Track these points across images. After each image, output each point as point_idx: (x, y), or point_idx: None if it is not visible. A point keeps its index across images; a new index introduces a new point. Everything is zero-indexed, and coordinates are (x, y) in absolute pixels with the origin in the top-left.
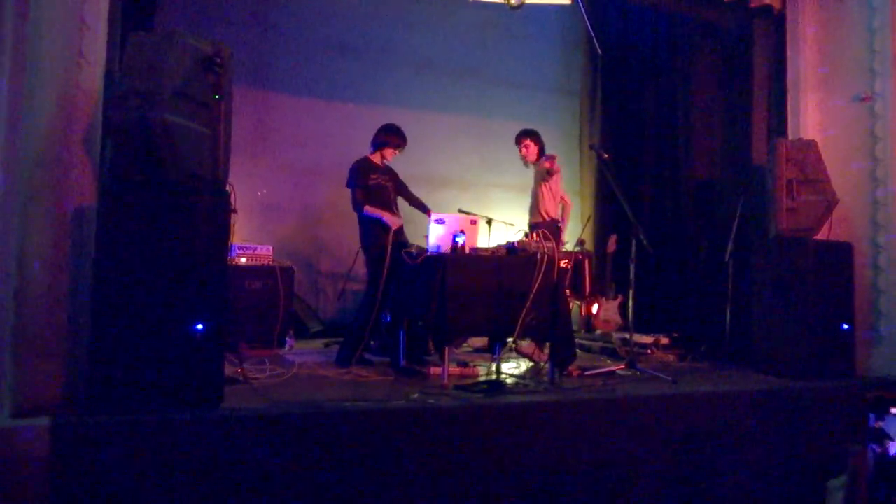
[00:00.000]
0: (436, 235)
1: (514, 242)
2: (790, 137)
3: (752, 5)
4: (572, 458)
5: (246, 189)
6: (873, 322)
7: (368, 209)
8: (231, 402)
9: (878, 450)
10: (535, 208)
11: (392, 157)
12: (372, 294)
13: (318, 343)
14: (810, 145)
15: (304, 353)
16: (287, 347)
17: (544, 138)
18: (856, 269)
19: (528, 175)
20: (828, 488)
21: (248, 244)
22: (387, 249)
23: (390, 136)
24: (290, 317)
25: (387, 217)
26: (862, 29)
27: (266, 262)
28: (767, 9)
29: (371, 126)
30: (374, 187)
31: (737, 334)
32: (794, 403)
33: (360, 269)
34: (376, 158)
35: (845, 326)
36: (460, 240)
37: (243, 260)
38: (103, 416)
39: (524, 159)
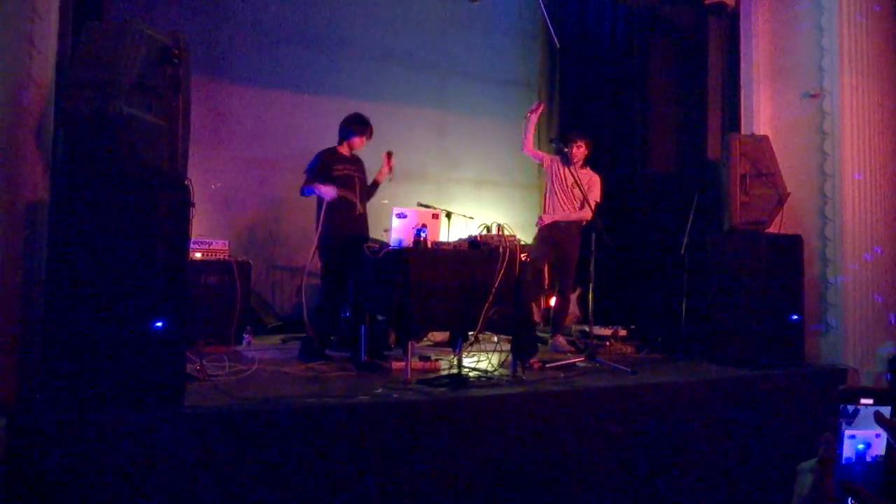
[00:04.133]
0: (398, 230)
1: (476, 236)
2: (743, 132)
3: (707, 2)
4: (536, 450)
5: (201, 182)
6: (821, 313)
7: (306, 186)
8: (192, 400)
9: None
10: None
11: (360, 147)
12: (329, 284)
13: (276, 339)
14: (762, 140)
15: (262, 349)
16: (245, 343)
17: (504, 132)
18: (805, 261)
19: (485, 169)
20: (797, 470)
21: (204, 238)
22: (341, 237)
23: (354, 126)
24: (247, 312)
25: (321, 189)
26: (812, 27)
27: (222, 257)
28: (721, 5)
29: (330, 118)
30: (340, 178)
31: (692, 325)
32: (749, 391)
33: (318, 261)
34: (343, 149)
35: (795, 317)
36: (422, 234)
37: (199, 255)
38: (61, 416)
39: (573, 158)
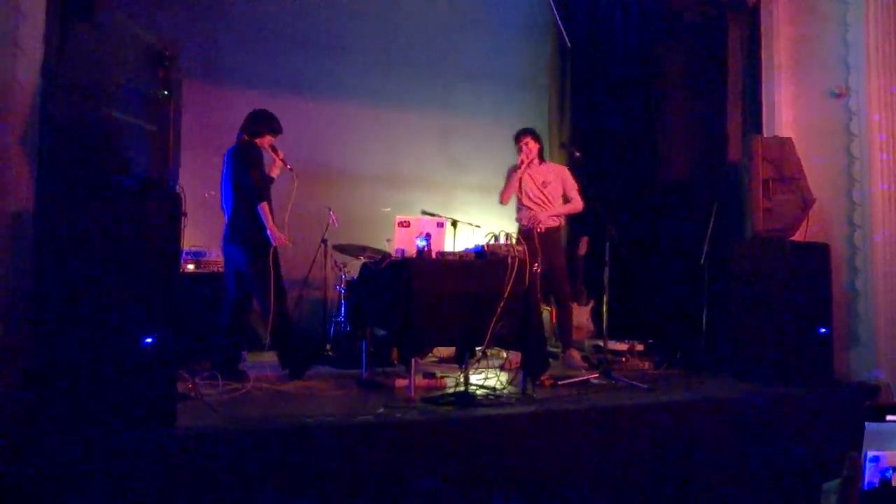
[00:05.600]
0: (400, 239)
1: (483, 246)
2: (765, 134)
3: None
4: (547, 473)
5: (193, 190)
6: (850, 325)
7: (265, 208)
8: (184, 420)
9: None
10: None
11: (268, 147)
12: (279, 291)
13: (273, 355)
14: (786, 142)
15: (258, 367)
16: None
17: (512, 134)
18: (833, 270)
19: (493, 175)
20: (822, 490)
21: (197, 249)
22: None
23: (269, 123)
24: None
25: (273, 233)
26: (836, 22)
27: (216, 269)
28: (741, 1)
29: (329, 123)
30: (265, 174)
31: (713, 339)
32: (774, 410)
33: (317, 272)
34: (263, 144)
35: (822, 330)
36: (423, 244)
37: (191, 267)
38: (46, 436)
39: (527, 158)
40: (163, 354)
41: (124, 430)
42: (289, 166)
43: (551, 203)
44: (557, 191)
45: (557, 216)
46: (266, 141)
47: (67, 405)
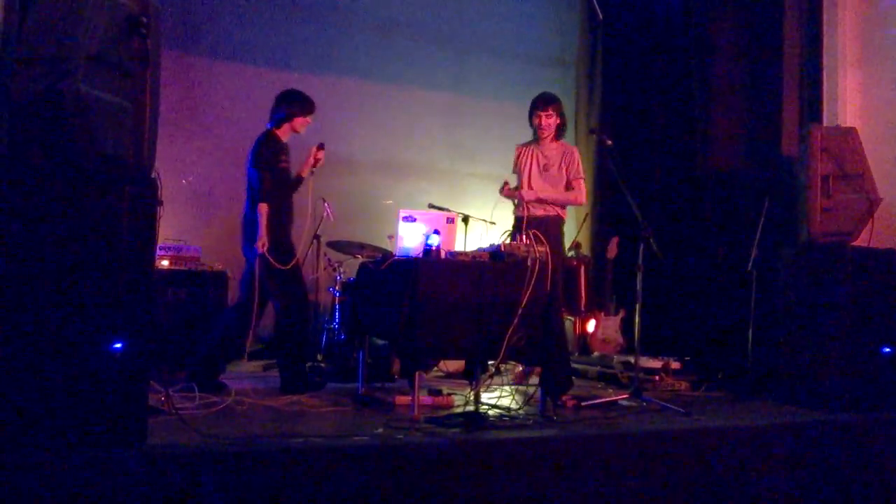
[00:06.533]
0: (405, 236)
1: (499, 245)
2: (826, 124)
3: None
4: None
5: (171, 175)
6: None
7: (263, 210)
8: (156, 437)
9: None
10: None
11: (303, 130)
12: (285, 306)
13: (257, 365)
14: (849, 134)
15: (240, 378)
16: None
17: None
18: None
19: (509, 164)
20: None
21: (173, 243)
22: (290, 249)
23: (299, 104)
24: None
25: (262, 238)
26: None
27: (194, 266)
28: None
29: (323, 100)
30: (283, 171)
31: (761, 358)
32: (828, 440)
33: (307, 272)
34: (284, 135)
35: (887, 349)
36: (434, 241)
37: (166, 263)
38: (3, 456)
39: (541, 133)
40: (133, 362)
41: (87, 448)
42: (314, 168)
43: (554, 189)
44: (560, 177)
45: (550, 205)
46: (297, 125)
47: (20, 422)
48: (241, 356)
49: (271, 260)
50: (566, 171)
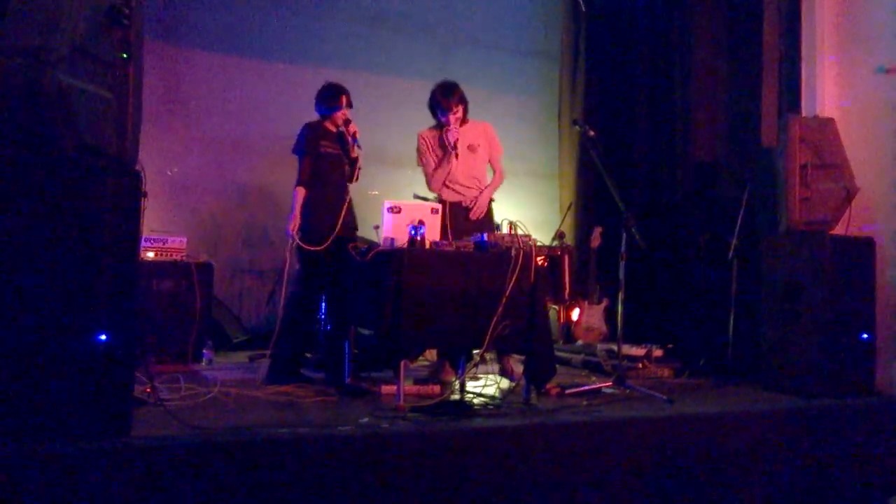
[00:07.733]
0: (389, 227)
1: (483, 236)
2: (804, 114)
3: None
4: (552, 494)
5: (155, 167)
6: None
7: (299, 192)
8: (140, 429)
9: None
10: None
11: (341, 122)
12: (299, 293)
13: (243, 356)
14: (827, 124)
15: (225, 369)
16: (205, 362)
17: (517, 110)
18: (878, 268)
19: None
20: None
21: (157, 235)
22: (321, 236)
23: (331, 100)
24: (208, 324)
25: (295, 219)
26: None
27: (179, 258)
28: None
29: (308, 90)
30: (327, 157)
31: (742, 345)
32: (809, 425)
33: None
34: (330, 126)
35: (865, 335)
36: (422, 231)
37: (151, 255)
38: None
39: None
40: (117, 354)
41: (70, 440)
42: (354, 151)
43: (480, 176)
44: (484, 158)
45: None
46: (336, 119)
47: (3, 413)
48: (228, 347)
49: (299, 242)
50: (490, 149)
